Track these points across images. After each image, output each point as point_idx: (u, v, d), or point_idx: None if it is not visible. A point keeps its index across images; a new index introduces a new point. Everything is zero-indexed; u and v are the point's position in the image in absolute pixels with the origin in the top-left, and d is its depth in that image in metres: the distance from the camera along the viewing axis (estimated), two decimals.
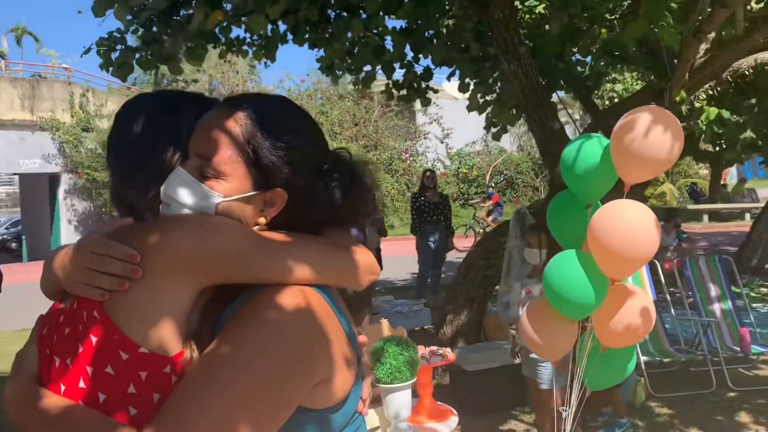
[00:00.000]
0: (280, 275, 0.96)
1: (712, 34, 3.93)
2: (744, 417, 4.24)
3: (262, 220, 1.02)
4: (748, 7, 3.97)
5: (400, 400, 2.28)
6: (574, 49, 5.71)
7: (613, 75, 13.07)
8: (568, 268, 2.53)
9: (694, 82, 3.86)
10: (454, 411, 2.79)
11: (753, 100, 7.92)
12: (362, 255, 1.08)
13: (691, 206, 20.37)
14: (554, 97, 5.40)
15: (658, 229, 2.40)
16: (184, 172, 0.99)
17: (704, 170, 26.24)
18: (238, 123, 0.99)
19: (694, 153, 18.51)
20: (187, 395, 0.87)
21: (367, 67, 6.07)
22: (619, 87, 12.95)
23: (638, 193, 4.25)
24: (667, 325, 5.33)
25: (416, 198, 8.57)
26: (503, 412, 4.43)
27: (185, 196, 0.98)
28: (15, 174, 20.68)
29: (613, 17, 5.67)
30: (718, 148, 14.02)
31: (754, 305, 7.45)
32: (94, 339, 0.91)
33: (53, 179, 19.90)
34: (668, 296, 5.64)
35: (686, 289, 5.52)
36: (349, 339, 1.03)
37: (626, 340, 2.64)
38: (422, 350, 2.79)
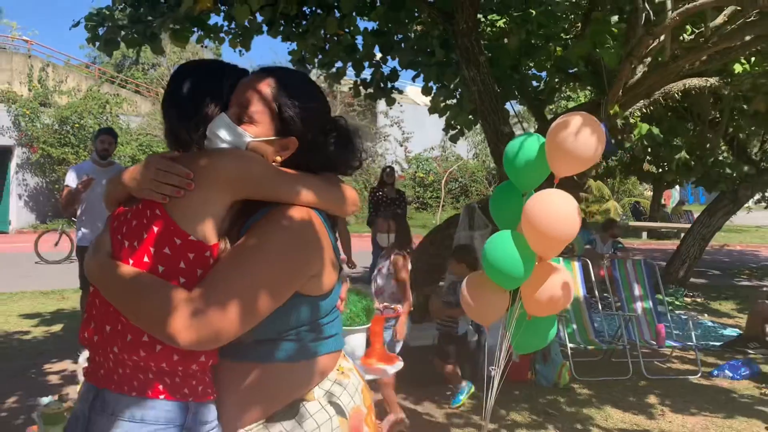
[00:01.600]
0: (290, 197, 1.35)
1: (648, 59, 4.47)
2: (652, 399, 4.78)
3: (278, 159, 1.41)
4: (681, 38, 4.53)
5: (355, 342, 2.67)
6: (530, 63, 6.21)
7: (568, 92, 13.78)
8: (503, 244, 2.97)
9: (627, 98, 4.37)
10: (400, 358, 3.19)
11: (689, 124, 8.64)
12: (348, 191, 1.48)
13: (632, 223, 21.36)
14: (511, 111, 5.88)
15: (579, 215, 2.87)
16: (226, 116, 1.37)
17: (648, 191, 27.44)
18: (269, 85, 1.38)
19: (638, 173, 19.47)
20: (223, 269, 1.26)
21: (338, 64, 6.44)
22: (572, 104, 13.66)
23: (570, 186, 4.73)
24: (595, 323, 5.88)
25: (374, 192, 8.96)
26: (444, 386, 4.87)
27: (225, 135, 1.36)
28: None
29: (567, 37, 6.21)
30: (660, 170, 14.89)
31: (677, 312, 8.12)
32: (155, 229, 1.28)
33: (5, 152, 19.56)
34: (598, 298, 6.19)
35: (614, 290, 6.08)
36: (335, 250, 1.43)
37: (549, 309, 3.09)
38: (377, 304, 3.19)
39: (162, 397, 1.25)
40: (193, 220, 1.28)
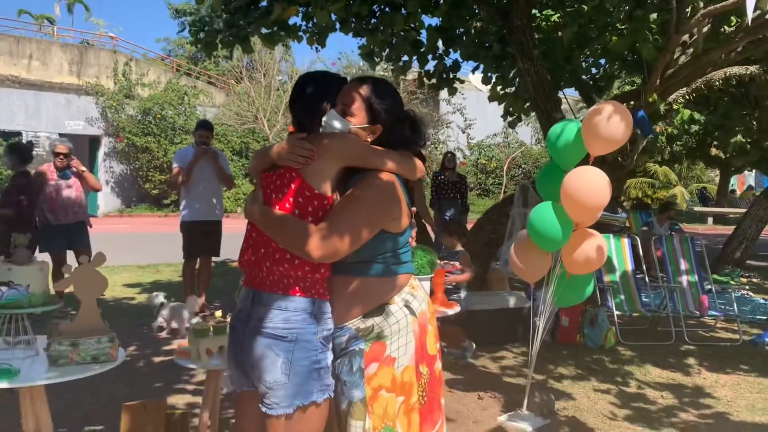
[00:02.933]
0: (378, 165, 2.00)
1: (689, 50, 4.89)
2: (691, 360, 5.23)
3: (369, 140, 2.05)
4: (723, 29, 4.93)
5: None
6: (585, 53, 6.64)
7: (631, 78, 13.96)
8: (546, 213, 3.55)
9: (666, 87, 4.81)
10: (458, 304, 3.80)
11: (746, 110, 8.83)
12: (417, 162, 2.12)
13: (698, 208, 21.14)
14: (564, 104, 6.35)
15: (609, 188, 3.42)
16: (335, 111, 2.03)
17: (718, 177, 26.88)
18: (363, 89, 2.02)
19: (705, 159, 19.25)
20: (339, 211, 1.92)
21: (404, 57, 7.05)
22: (627, 88, 13.83)
23: (616, 167, 5.20)
24: (643, 296, 6.34)
25: (436, 176, 9.56)
26: (498, 345, 5.46)
27: (336, 123, 2.02)
28: (61, 134, 21.71)
29: (622, 27, 6.62)
30: (727, 155, 14.84)
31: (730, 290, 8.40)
32: (293, 186, 1.95)
33: (94, 141, 21.09)
34: (646, 273, 6.60)
35: (662, 265, 6.50)
36: (407, 203, 2.07)
37: (585, 268, 3.66)
38: (439, 262, 3.80)
39: (298, 294, 1.92)
40: (317, 180, 1.94)
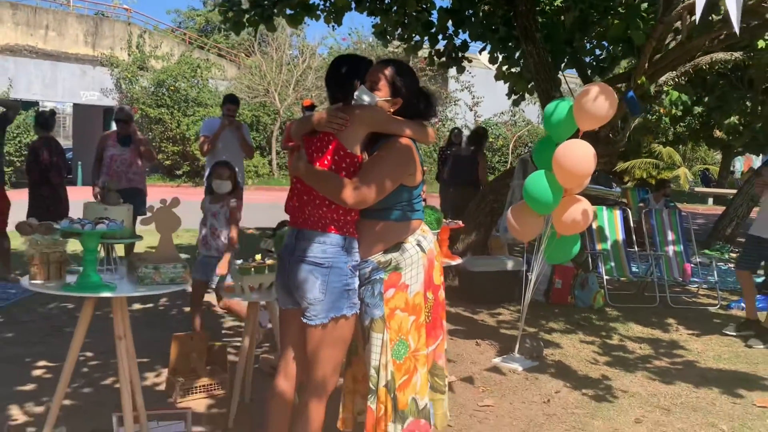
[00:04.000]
0: (398, 131, 2.50)
1: (679, 37, 5.33)
2: (671, 320, 5.76)
3: (391, 111, 2.55)
4: (711, 17, 5.36)
5: None
6: (586, 36, 7.06)
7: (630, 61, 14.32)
8: (539, 180, 4.04)
9: (654, 71, 5.26)
10: (460, 258, 4.31)
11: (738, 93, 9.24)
12: (430, 130, 2.62)
13: (698, 189, 21.55)
14: (564, 84, 6.78)
15: (594, 158, 3.91)
16: (364, 87, 2.52)
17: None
18: (388, 70, 2.52)
19: (707, 140, 19.61)
20: (368, 168, 2.43)
21: (416, 37, 7.48)
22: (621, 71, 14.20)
23: (606, 144, 5.67)
24: (632, 265, 6.86)
25: (443, 151, 10.03)
26: (496, 304, 6.00)
27: (365, 97, 2.51)
28: (77, 104, 22.13)
29: (623, 11, 7.03)
30: (730, 137, 15.21)
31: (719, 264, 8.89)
32: (330, 147, 2.46)
33: (108, 112, 21.55)
34: (635, 244, 7.09)
35: (650, 236, 7.00)
36: (421, 162, 2.58)
37: (573, 230, 4.16)
38: (445, 220, 4.30)
39: (333, 232, 2.43)
40: (349, 142, 2.45)
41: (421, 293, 2.56)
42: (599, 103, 3.81)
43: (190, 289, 3.91)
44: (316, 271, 2.41)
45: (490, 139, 26.31)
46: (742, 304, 6.18)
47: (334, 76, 2.61)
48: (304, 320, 2.44)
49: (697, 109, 10.87)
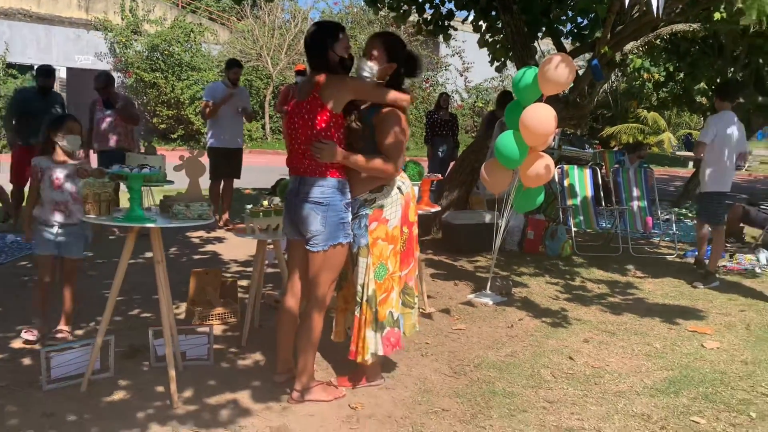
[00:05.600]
0: (380, 100, 3.09)
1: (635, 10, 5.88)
2: (630, 266, 6.43)
3: (388, 73, 3.12)
4: None
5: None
6: (563, 8, 7.58)
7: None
8: (508, 139, 4.63)
9: (617, 41, 5.81)
10: (438, 205, 4.93)
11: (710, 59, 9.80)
12: (405, 96, 3.19)
13: (680, 153, 22.19)
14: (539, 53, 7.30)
15: (555, 120, 4.49)
16: (363, 59, 3.10)
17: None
18: (380, 39, 3.11)
19: (689, 105, 20.22)
20: (389, 143, 3.06)
21: (404, 6, 7.96)
22: None
23: (574, 107, 6.25)
24: (600, 220, 7.51)
25: (430, 115, 10.58)
26: (474, 253, 6.64)
27: (364, 67, 3.09)
28: (70, 68, 22.34)
29: None
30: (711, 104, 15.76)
31: (685, 220, 9.58)
32: (321, 110, 3.02)
33: None
34: (602, 200, 7.70)
35: (617, 192, 7.63)
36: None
37: (537, 182, 4.76)
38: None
39: (329, 176, 3.02)
40: (337, 106, 3.01)
41: (398, 227, 3.18)
42: (560, 70, 4.38)
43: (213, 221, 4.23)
44: (317, 208, 3.02)
45: (480, 104, 26.83)
46: (696, 253, 6.88)
47: (309, 44, 3.11)
48: (308, 248, 3.06)
49: (680, 76, 11.44)
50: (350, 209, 3.10)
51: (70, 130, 3.74)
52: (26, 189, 6.73)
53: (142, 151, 4.12)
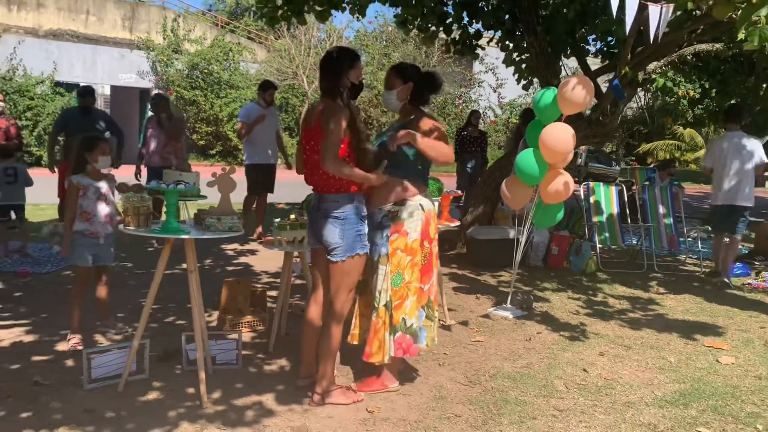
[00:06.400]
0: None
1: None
2: (653, 283, 6.46)
3: (408, 93, 3.36)
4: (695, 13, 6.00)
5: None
6: (585, 28, 7.72)
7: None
8: (528, 157, 4.79)
9: (638, 61, 5.92)
10: (458, 220, 5.11)
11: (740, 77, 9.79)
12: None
13: None
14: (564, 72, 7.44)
15: (574, 139, 4.64)
16: (385, 90, 3.34)
17: None
18: (394, 70, 3.35)
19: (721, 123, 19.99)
20: (436, 142, 3.30)
21: (432, 28, 8.18)
22: None
23: (598, 125, 6.37)
24: (625, 237, 7.57)
25: (460, 132, 10.76)
26: (498, 268, 6.76)
27: (387, 96, 3.34)
28: (114, 86, 23.14)
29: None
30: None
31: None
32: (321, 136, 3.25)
33: (144, 93, 22.57)
34: (628, 217, 7.75)
35: (643, 210, 7.67)
36: None
37: (556, 198, 4.90)
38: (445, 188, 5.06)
39: (343, 192, 3.21)
40: (336, 131, 3.23)
41: (418, 240, 3.38)
42: (577, 91, 4.54)
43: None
44: (336, 222, 3.22)
45: (514, 120, 26.86)
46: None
47: (329, 63, 3.29)
48: (329, 257, 3.26)
49: (713, 93, 11.41)
50: (366, 222, 3.30)
51: (102, 151, 4.03)
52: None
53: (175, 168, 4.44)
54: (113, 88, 23.58)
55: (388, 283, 3.34)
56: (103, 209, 4.01)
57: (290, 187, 12.30)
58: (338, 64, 3.24)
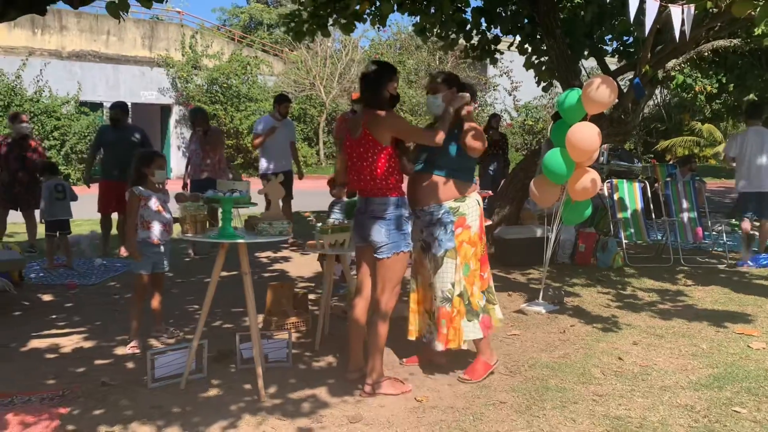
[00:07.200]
0: (414, 138, 3.55)
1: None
2: (680, 275, 6.58)
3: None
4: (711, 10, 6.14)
5: None
6: (603, 30, 7.87)
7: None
8: (555, 155, 4.96)
9: (658, 59, 6.07)
10: (489, 220, 5.29)
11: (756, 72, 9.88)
12: (439, 134, 3.59)
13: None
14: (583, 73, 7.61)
15: (600, 137, 4.80)
16: (430, 96, 3.57)
17: None
18: (440, 77, 3.61)
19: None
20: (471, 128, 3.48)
21: (452, 35, 8.38)
22: None
23: (619, 124, 6.53)
24: (650, 232, 7.69)
25: None
26: (527, 266, 6.92)
27: (432, 101, 3.57)
28: (135, 103, 23.59)
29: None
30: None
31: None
32: (370, 144, 3.45)
33: (165, 109, 23.01)
34: (653, 213, 7.87)
35: (666, 205, 7.78)
36: None
37: (584, 195, 5.06)
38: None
39: (389, 195, 3.43)
40: (384, 141, 3.43)
41: (477, 233, 3.68)
42: (601, 91, 4.70)
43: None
44: (381, 223, 3.43)
45: (530, 123, 26.96)
46: (749, 262, 6.99)
47: (371, 77, 3.53)
48: (376, 255, 3.47)
49: (731, 87, 11.51)
50: (410, 222, 3.52)
51: (159, 165, 4.38)
52: (113, 216, 7.43)
53: (230, 178, 4.66)
54: (135, 105, 24.05)
55: (460, 275, 3.62)
56: (161, 218, 4.30)
57: (313, 196, 12.53)
58: (379, 78, 3.50)
